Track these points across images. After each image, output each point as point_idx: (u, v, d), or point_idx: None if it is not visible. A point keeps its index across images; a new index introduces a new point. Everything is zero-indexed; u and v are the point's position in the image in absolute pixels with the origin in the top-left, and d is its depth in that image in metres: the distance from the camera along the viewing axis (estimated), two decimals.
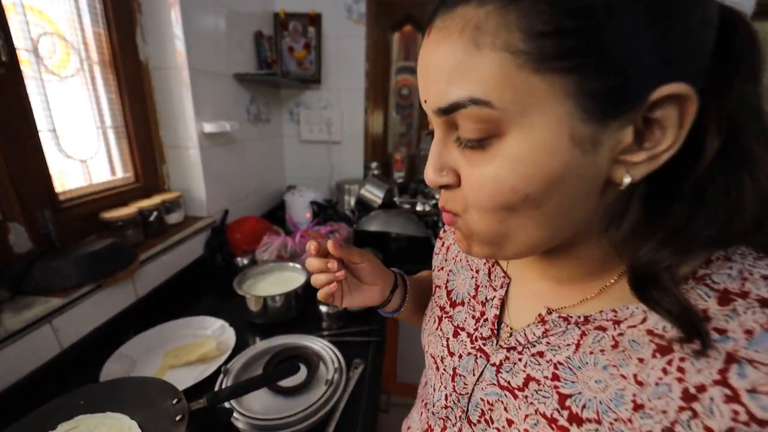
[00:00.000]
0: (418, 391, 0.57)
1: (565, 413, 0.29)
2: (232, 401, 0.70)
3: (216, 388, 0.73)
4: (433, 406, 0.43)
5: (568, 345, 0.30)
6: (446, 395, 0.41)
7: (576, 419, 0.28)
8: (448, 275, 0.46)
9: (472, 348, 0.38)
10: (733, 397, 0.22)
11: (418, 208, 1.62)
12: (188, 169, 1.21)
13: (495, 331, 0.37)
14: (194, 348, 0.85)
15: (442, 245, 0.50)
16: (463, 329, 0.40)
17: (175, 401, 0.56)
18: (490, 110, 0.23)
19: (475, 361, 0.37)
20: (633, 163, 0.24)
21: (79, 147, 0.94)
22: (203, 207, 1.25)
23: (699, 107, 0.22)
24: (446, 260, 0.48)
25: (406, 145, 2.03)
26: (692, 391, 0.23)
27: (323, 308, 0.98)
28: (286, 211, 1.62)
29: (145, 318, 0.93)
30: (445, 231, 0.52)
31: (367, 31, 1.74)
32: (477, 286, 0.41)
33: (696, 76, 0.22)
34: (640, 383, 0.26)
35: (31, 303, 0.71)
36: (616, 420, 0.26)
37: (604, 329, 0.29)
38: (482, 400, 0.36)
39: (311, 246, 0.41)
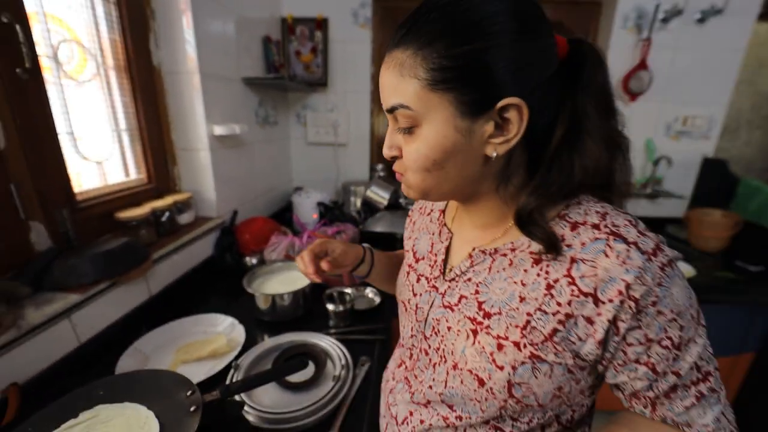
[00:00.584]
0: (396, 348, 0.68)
1: (481, 312, 0.43)
2: (242, 395, 0.72)
3: (227, 383, 0.75)
4: (403, 339, 0.58)
5: (484, 269, 0.45)
6: (411, 327, 0.55)
7: (487, 315, 0.43)
8: (414, 242, 0.59)
9: (428, 287, 0.52)
10: (572, 282, 0.37)
11: None
12: (199, 171, 1.24)
13: (442, 271, 0.51)
14: (205, 344, 0.88)
15: (410, 221, 0.65)
16: (423, 275, 0.54)
17: (189, 393, 0.58)
18: (410, 111, 0.38)
19: (430, 295, 0.51)
20: (496, 143, 0.38)
21: (95, 149, 0.97)
22: (213, 208, 1.28)
23: (555, 106, 0.39)
24: (413, 231, 0.62)
25: None
26: (551, 282, 0.38)
27: (330, 307, 1.00)
28: (293, 212, 1.64)
29: (157, 315, 0.96)
30: (412, 211, 0.66)
31: (373, 35, 1.76)
32: (432, 244, 0.55)
33: (532, 91, 0.36)
34: (524, 284, 0.41)
35: (51, 299, 0.74)
36: (510, 310, 0.41)
37: (505, 255, 0.44)
38: (433, 319, 0.49)
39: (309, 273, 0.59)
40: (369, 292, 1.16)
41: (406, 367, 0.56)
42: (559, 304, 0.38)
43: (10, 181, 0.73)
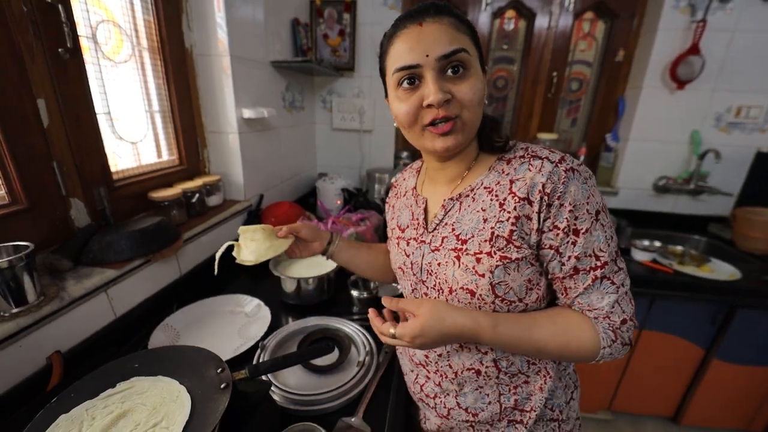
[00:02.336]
0: None
1: (459, 242, 0.55)
2: (269, 376, 0.73)
3: (254, 362, 0.77)
4: (409, 295, 0.67)
5: (455, 211, 0.58)
6: (411, 283, 0.65)
7: (464, 241, 0.55)
8: (397, 219, 0.71)
9: (417, 244, 0.63)
10: (514, 195, 0.51)
11: None
12: (227, 154, 1.26)
13: (425, 226, 0.62)
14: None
15: (389, 207, 0.76)
16: (411, 239, 0.64)
17: (219, 370, 0.59)
18: (468, 55, 0.50)
19: (420, 249, 0.62)
20: (487, 93, 0.55)
21: (130, 129, 0.99)
22: (240, 191, 1.29)
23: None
24: (393, 214, 0.73)
25: None
26: (502, 201, 0.52)
27: (354, 293, 1.00)
28: (317, 198, 1.64)
29: (187, 293, 0.99)
30: (389, 199, 0.78)
31: None
32: (412, 212, 0.66)
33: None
34: (483, 210, 0.54)
35: (89, 273, 0.77)
36: (479, 231, 0.53)
37: (468, 195, 0.57)
38: (426, 264, 0.60)
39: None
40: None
41: None
42: (509, 212, 0.51)
43: (53, 158, 0.76)
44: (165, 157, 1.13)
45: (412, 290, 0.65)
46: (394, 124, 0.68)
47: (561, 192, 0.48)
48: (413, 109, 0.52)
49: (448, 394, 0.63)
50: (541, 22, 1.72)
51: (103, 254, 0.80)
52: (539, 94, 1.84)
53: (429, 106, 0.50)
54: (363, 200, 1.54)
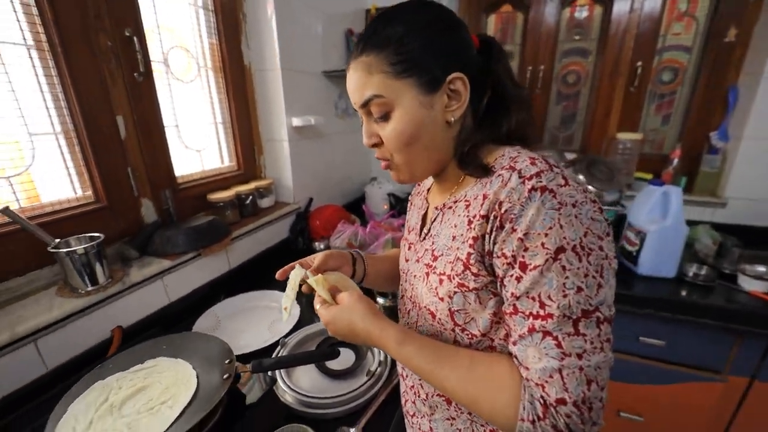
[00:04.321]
0: None
1: (432, 258, 0.52)
2: (283, 375, 0.76)
3: (274, 357, 0.81)
4: (402, 298, 0.64)
5: (438, 223, 0.54)
6: (401, 289, 0.63)
7: (435, 258, 0.51)
8: (409, 219, 0.68)
9: (412, 251, 0.60)
10: (480, 212, 0.44)
11: None
12: (280, 160, 1.36)
13: (419, 234, 0.59)
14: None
15: (410, 205, 0.71)
16: (412, 244, 0.62)
17: (227, 361, 0.63)
18: (383, 98, 0.46)
19: (412, 257, 0.59)
20: (452, 110, 0.48)
21: (196, 139, 1.14)
22: (290, 194, 1.39)
23: (478, 80, 0.48)
24: (410, 211, 0.69)
25: None
26: (471, 218, 0.46)
27: (380, 300, 0.98)
28: (366, 202, 1.67)
29: (234, 285, 1.09)
30: (411, 197, 0.73)
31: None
32: (418, 216, 0.63)
33: (468, 66, 0.47)
34: (455, 226, 0.49)
35: (150, 262, 0.90)
36: (447, 249, 0.49)
37: (450, 208, 0.52)
38: (411, 274, 0.58)
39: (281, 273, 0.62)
40: None
41: (404, 322, 0.63)
42: (470, 230, 0.45)
43: (128, 165, 0.91)
44: (226, 163, 1.27)
45: (401, 296, 0.63)
46: None
47: (515, 215, 0.39)
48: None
49: (422, 415, 0.58)
50: (621, 6, 1.49)
51: (162, 247, 0.94)
52: (619, 89, 1.59)
53: None
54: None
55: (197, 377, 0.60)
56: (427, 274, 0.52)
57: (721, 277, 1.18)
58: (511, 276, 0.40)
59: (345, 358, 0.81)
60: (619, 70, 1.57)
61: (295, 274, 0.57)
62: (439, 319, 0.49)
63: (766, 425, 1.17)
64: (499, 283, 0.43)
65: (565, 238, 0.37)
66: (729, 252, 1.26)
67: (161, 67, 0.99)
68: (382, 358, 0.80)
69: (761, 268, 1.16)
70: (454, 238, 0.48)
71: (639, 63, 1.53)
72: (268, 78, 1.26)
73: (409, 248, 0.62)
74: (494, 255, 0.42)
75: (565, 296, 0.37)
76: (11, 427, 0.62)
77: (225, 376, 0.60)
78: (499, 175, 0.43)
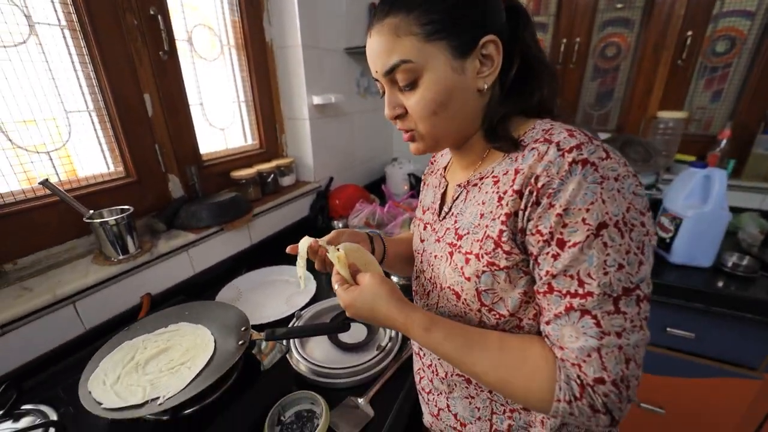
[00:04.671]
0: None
1: (456, 237, 0.49)
2: (297, 346, 0.79)
3: (289, 327, 0.84)
4: (414, 281, 0.64)
5: (461, 201, 0.51)
6: (416, 270, 0.62)
7: (459, 237, 0.49)
8: (423, 199, 0.65)
9: (430, 231, 0.58)
10: (513, 187, 0.42)
11: None
12: (301, 139, 1.37)
13: (438, 214, 0.57)
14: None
15: (424, 185, 0.69)
16: (428, 224, 0.59)
17: (243, 329, 0.67)
18: (412, 64, 0.43)
19: (430, 237, 0.57)
20: (484, 76, 0.45)
21: (220, 117, 1.17)
22: (311, 173, 1.40)
23: (507, 46, 0.45)
24: (424, 190, 0.67)
25: None
26: (501, 195, 0.43)
27: (394, 278, 0.99)
28: (386, 182, 1.67)
29: (255, 260, 1.13)
30: (425, 176, 0.71)
31: None
32: (434, 195, 0.60)
33: (499, 31, 0.44)
34: (483, 203, 0.46)
35: (177, 235, 0.95)
36: (474, 227, 0.47)
37: (476, 185, 0.50)
38: (429, 253, 0.56)
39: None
40: None
41: (421, 305, 0.62)
42: (501, 207, 0.43)
43: (155, 141, 0.95)
44: (249, 141, 1.30)
45: (416, 277, 0.62)
46: None
47: (554, 189, 0.37)
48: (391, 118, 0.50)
49: (440, 393, 0.58)
50: None
51: (188, 221, 0.98)
52: (664, 62, 1.45)
53: None
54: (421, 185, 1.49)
55: (215, 342, 0.64)
56: (451, 253, 0.49)
57: (765, 268, 1.09)
58: (547, 254, 0.38)
59: (357, 332, 0.83)
60: (665, 41, 1.43)
61: (303, 243, 0.57)
62: (465, 299, 0.47)
63: None
64: (532, 261, 0.41)
65: (607, 213, 0.36)
66: None
67: (185, 46, 1.01)
68: (393, 334, 0.81)
69: None
70: (482, 215, 0.46)
71: (689, 33, 1.39)
72: (289, 55, 1.26)
73: (425, 228, 0.60)
74: (528, 232, 0.40)
75: (606, 274, 0.36)
76: (53, 379, 0.70)
77: (240, 342, 0.63)
78: (533, 148, 0.41)
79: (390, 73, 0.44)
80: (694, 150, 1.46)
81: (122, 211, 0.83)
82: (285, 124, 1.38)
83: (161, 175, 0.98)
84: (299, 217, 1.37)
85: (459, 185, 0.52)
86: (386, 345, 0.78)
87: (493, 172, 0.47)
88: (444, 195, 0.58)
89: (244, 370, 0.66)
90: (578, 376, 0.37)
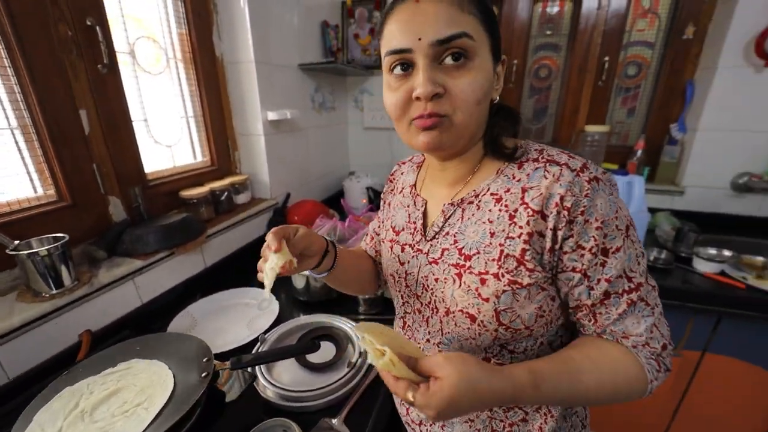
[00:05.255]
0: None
1: (462, 257, 0.48)
2: (263, 371, 0.76)
3: (254, 353, 0.80)
4: (396, 310, 0.62)
5: (457, 220, 0.50)
6: (402, 295, 0.59)
7: (467, 257, 0.48)
8: (391, 219, 0.62)
9: (413, 252, 0.56)
10: (527, 206, 0.44)
11: None
12: (255, 155, 1.33)
13: (423, 234, 0.55)
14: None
15: (384, 204, 0.68)
16: (406, 244, 0.57)
17: (205, 360, 0.63)
18: (472, 41, 0.42)
19: (417, 259, 0.55)
20: (496, 89, 0.48)
21: (166, 134, 1.10)
22: (267, 190, 1.36)
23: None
24: (387, 210, 0.66)
25: None
26: (512, 213, 0.45)
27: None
28: (344, 196, 1.67)
29: (210, 284, 1.07)
30: (384, 194, 0.70)
31: None
32: (409, 215, 0.58)
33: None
34: (491, 221, 0.47)
35: (120, 263, 0.87)
36: (485, 247, 0.46)
37: (471, 202, 0.50)
38: (422, 277, 0.54)
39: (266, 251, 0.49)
40: None
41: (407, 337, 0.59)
42: (521, 227, 0.44)
43: (93, 161, 0.87)
44: (198, 158, 1.24)
45: (403, 303, 0.59)
46: None
47: (585, 206, 0.41)
48: (401, 101, 0.44)
49: (434, 423, 0.57)
50: (589, 2, 1.54)
51: (133, 246, 0.90)
52: (588, 83, 1.65)
53: (418, 98, 0.43)
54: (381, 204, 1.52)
55: (174, 377, 0.60)
56: (459, 275, 0.48)
57: (679, 260, 1.26)
58: (596, 264, 0.42)
59: (325, 351, 0.82)
60: (587, 65, 1.63)
61: (275, 261, 0.46)
62: (481, 321, 0.46)
63: (716, 391, 1.27)
64: (579, 277, 0.43)
65: (626, 216, 0.44)
66: (686, 237, 1.34)
67: (127, 59, 0.95)
68: (362, 350, 0.81)
69: (713, 251, 1.25)
70: (492, 234, 0.46)
71: (606, 58, 1.59)
72: (241, 70, 1.23)
73: (403, 250, 0.57)
74: (568, 250, 0.42)
75: (639, 263, 0.44)
76: None
77: (203, 375, 0.59)
78: (537, 167, 0.44)
79: (446, 42, 0.40)
80: (617, 159, 1.66)
81: (55, 239, 0.74)
82: (238, 140, 1.33)
83: (100, 197, 0.90)
84: (256, 235, 1.32)
85: (451, 203, 0.51)
86: (356, 361, 0.78)
87: (489, 189, 0.48)
88: (425, 214, 0.56)
89: (207, 405, 0.62)
90: (651, 352, 0.44)
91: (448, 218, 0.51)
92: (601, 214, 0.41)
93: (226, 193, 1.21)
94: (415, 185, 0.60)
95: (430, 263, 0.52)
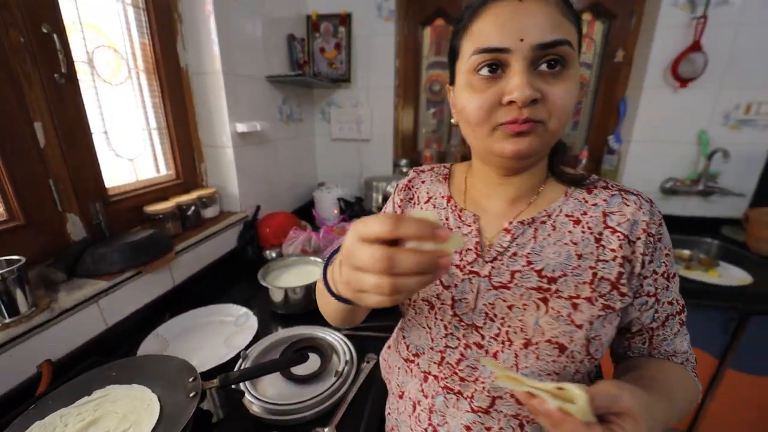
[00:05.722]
0: (390, 370, 0.63)
1: (545, 279, 0.45)
2: (248, 386, 0.74)
3: (236, 370, 0.78)
4: (432, 341, 0.51)
5: (528, 240, 0.47)
6: (445, 325, 0.50)
7: (552, 279, 0.45)
8: None
9: (463, 275, 0.49)
10: (614, 231, 0.45)
11: None
12: (223, 167, 1.30)
13: (478, 253, 0.49)
14: None
15: (402, 213, 0.59)
16: (453, 264, 0.50)
17: (191, 379, 0.60)
18: (571, 49, 0.40)
19: (470, 282, 0.49)
20: None
21: (128, 147, 1.04)
22: (236, 202, 1.33)
23: None
24: None
25: (437, 142, 2.00)
26: (597, 236, 0.45)
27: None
28: (315, 207, 1.67)
29: (180, 303, 1.02)
30: (399, 202, 0.60)
31: (398, 27, 1.74)
32: (450, 229, 0.51)
33: None
34: (575, 243, 0.45)
35: (82, 285, 0.81)
36: (573, 269, 0.44)
37: (544, 222, 0.47)
38: (484, 305, 0.48)
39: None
40: None
41: (441, 376, 0.50)
42: (612, 250, 0.44)
43: (49, 176, 0.81)
44: (163, 172, 1.18)
45: (446, 335, 0.50)
46: (452, 121, 0.51)
47: (661, 234, 0.45)
48: (488, 104, 0.41)
49: None
50: None
51: (95, 266, 0.84)
52: None
53: (510, 103, 0.39)
54: (358, 209, 1.55)
55: (159, 400, 0.57)
56: (545, 300, 0.44)
57: None
58: (664, 288, 0.46)
59: (309, 363, 0.82)
60: None
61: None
62: (572, 351, 0.43)
63: None
64: (651, 301, 0.46)
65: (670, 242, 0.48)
66: None
67: (86, 68, 0.89)
68: (348, 358, 0.82)
69: None
70: (580, 256, 0.44)
71: None
72: (207, 81, 1.20)
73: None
74: (648, 275, 0.45)
75: (677, 286, 0.49)
76: None
77: (191, 395, 0.57)
78: (613, 194, 0.46)
79: (549, 47, 0.38)
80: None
81: (9, 262, 0.68)
82: (204, 152, 1.29)
83: (57, 215, 0.83)
84: (226, 250, 1.28)
85: (521, 222, 0.47)
86: (343, 369, 0.79)
87: (561, 211, 0.47)
88: (479, 231, 0.50)
89: (196, 427, 0.59)
90: (692, 366, 0.50)
91: (516, 238, 0.47)
92: (667, 241, 0.46)
93: (193, 207, 1.16)
94: (451, 197, 0.54)
95: (496, 288, 0.47)
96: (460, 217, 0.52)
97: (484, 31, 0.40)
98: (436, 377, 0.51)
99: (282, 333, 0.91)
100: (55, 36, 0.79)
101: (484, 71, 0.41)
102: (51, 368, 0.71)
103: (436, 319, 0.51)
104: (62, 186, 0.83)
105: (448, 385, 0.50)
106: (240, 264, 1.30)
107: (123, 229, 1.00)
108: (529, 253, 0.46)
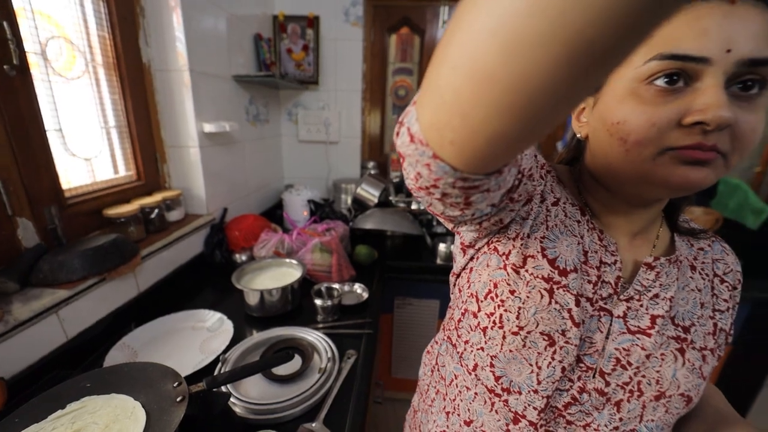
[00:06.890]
0: (441, 391, 0.55)
1: (679, 328, 0.42)
2: (230, 389, 0.74)
3: (214, 374, 0.77)
4: (537, 383, 0.41)
5: (671, 281, 0.42)
6: (563, 367, 0.40)
7: (685, 329, 0.42)
8: (541, 242, 0.41)
9: (593, 311, 0.41)
10: (722, 280, 0.46)
11: (413, 206, 1.65)
12: (188, 168, 1.25)
13: (615, 288, 0.42)
14: None
15: (547, 211, 0.43)
16: (582, 296, 0.40)
17: (176, 384, 0.59)
18: None
19: (599, 320, 0.41)
20: None
21: (84, 146, 0.97)
22: (203, 205, 1.29)
23: None
24: (543, 226, 0.42)
25: None
26: (710, 283, 0.45)
27: (318, 302, 1.02)
28: (284, 209, 1.65)
29: (147, 310, 0.97)
30: (541, 188, 0.43)
31: (365, 33, 1.78)
32: (586, 252, 0.41)
33: None
34: (699, 290, 0.43)
35: (38, 294, 0.75)
36: (698, 318, 0.42)
37: (681, 263, 0.44)
38: (616, 349, 0.41)
39: None
40: (357, 288, 1.18)
41: (540, 423, 0.42)
42: (725, 300, 0.44)
43: None
44: (122, 172, 1.11)
45: (561, 377, 0.40)
46: (579, 135, 0.44)
47: (740, 281, 0.47)
48: (664, 121, 0.33)
49: None
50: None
51: (54, 274, 0.78)
52: None
53: (695, 125, 0.32)
54: (329, 210, 1.56)
55: (143, 407, 0.55)
56: (681, 350, 0.40)
57: None
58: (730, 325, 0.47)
59: (290, 363, 0.82)
60: None
61: None
62: (694, 403, 0.42)
63: None
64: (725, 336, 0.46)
65: None
66: None
67: (39, 61, 0.83)
68: (329, 356, 0.84)
69: None
70: (702, 304, 0.43)
71: None
72: (172, 79, 1.15)
73: (578, 303, 0.40)
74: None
75: None
76: None
77: (178, 399, 0.56)
78: (714, 241, 0.48)
79: (760, 65, 0.31)
80: None
81: None
82: (167, 152, 1.24)
83: (6, 219, 0.76)
84: (193, 254, 1.23)
85: (668, 260, 0.42)
86: (326, 366, 0.81)
87: (683, 254, 0.45)
88: (620, 262, 0.42)
89: (183, 429, 0.58)
90: None
91: (660, 277, 0.41)
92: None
93: (157, 210, 1.11)
94: (586, 211, 0.44)
95: (633, 333, 0.40)
96: (600, 239, 0.42)
97: (675, 35, 0.32)
98: (533, 424, 0.42)
99: (259, 336, 0.91)
100: (5, 24, 0.72)
101: (661, 81, 0.33)
102: (5, 386, 0.65)
103: (552, 359, 0.40)
104: (12, 188, 0.76)
105: (549, 430, 0.42)
106: (208, 268, 1.25)
107: (80, 234, 0.93)
108: (662, 296, 0.41)
